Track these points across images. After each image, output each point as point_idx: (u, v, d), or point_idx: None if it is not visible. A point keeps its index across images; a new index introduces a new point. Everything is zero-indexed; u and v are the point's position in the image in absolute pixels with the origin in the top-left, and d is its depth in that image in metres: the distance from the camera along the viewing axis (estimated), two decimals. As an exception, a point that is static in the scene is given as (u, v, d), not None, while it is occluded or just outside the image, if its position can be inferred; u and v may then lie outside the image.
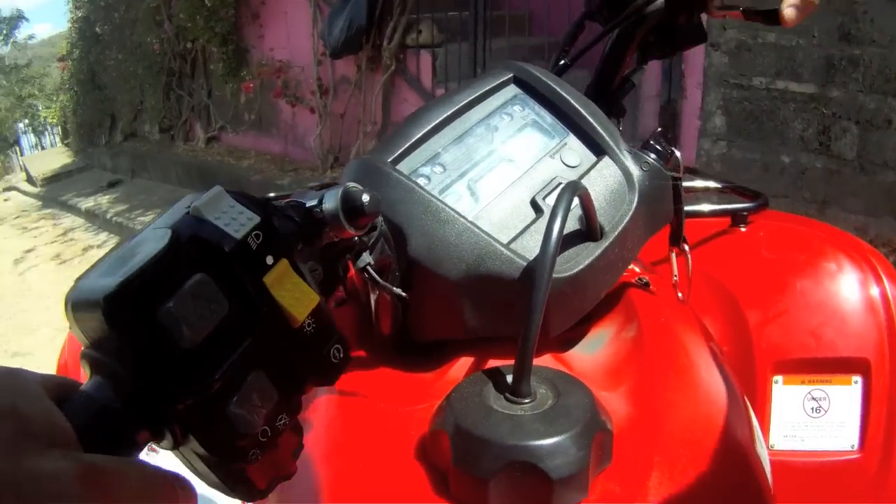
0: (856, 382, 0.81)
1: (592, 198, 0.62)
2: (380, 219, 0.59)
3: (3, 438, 0.32)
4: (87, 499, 0.32)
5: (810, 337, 0.82)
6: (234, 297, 0.38)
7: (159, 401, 0.36)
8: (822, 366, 0.82)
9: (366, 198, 0.48)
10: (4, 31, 20.95)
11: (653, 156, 0.70)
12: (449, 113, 0.70)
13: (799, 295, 0.85)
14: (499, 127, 0.71)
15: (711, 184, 1.09)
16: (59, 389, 0.36)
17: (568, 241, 0.63)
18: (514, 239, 0.62)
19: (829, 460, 0.80)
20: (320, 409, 0.59)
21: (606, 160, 0.69)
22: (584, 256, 0.62)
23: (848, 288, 0.85)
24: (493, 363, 0.61)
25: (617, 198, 0.67)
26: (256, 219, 0.39)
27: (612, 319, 0.69)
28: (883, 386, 0.80)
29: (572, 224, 0.63)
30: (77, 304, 0.36)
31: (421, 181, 0.65)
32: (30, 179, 12.00)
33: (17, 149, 19.09)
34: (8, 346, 4.54)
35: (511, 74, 0.74)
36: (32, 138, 19.46)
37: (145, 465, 0.36)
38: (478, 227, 0.62)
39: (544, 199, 0.65)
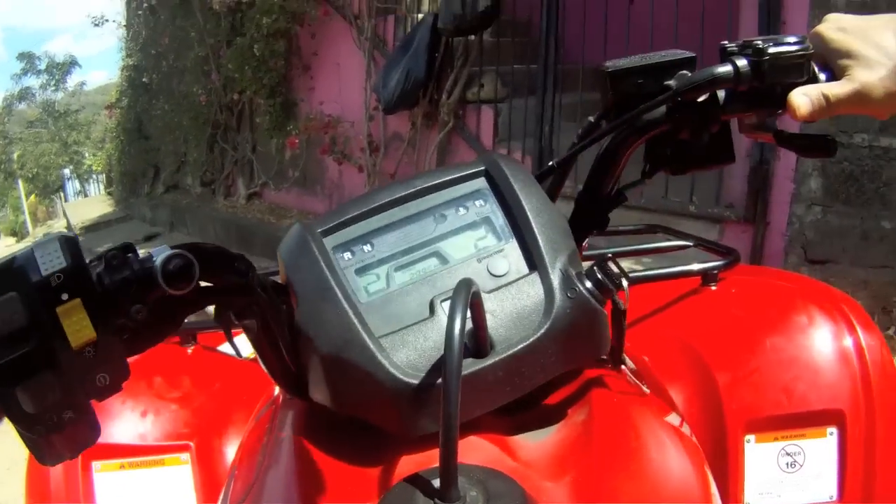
0: (831, 434, 0.81)
1: (501, 312, 0.64)
2: (253, 281, 0.63)
3: None
4: None
5: (782, 393, 0.81)
6: (33, 314, 0.50)
7: None
8: (796, 420, 0.81)
9: (179, 266, 0.55)
10: (57, 77, 21.65)
11: (589, 284, 0.66)
12: (404, 193, 0.72)
13: (769, 351, 0.85)
14: (447, 217, 0.71)
15: (682, 242, 1.15)
16: None
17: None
18: (391, 333, 0.64)
19: None
20: (272, 494, 0.64)
21: (534, 277, 0.67)
22: None
23: (820, 340, 0.85)
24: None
25: (526, 319, 0.64)
26: (63, 264, 0.51)
27: (564, 402, 0.69)
28: (859, 434, 0.80)
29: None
30: None
31: (344, 256, 0.69)
32: (69, 227, 11.99)
33: (62, 195, 19.44)
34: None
35: (483, 167, 0.73)
36: (77, 185, 19.84)
37: None
38: (356, 312, 0.64)
39: (442, 302, 0.65)
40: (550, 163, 0.87)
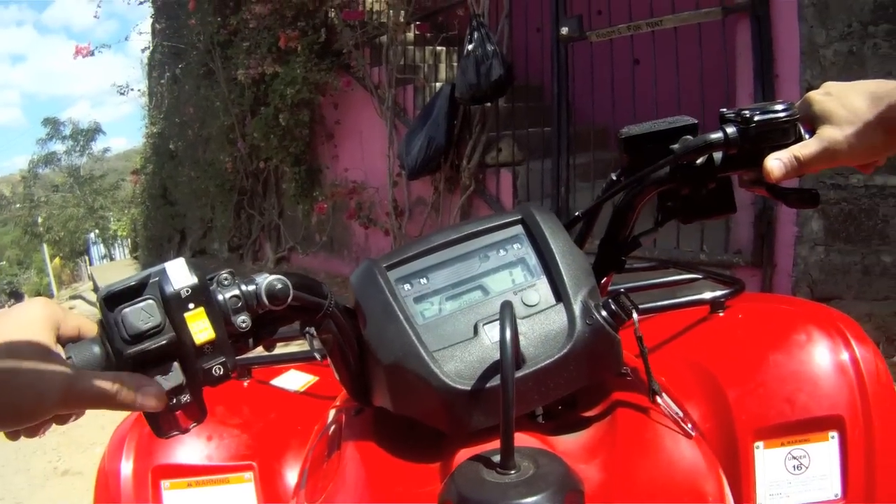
0: (832, 437, 0.88)
1: (531, 335, 0.77)
2: (331, 303, 0.79)
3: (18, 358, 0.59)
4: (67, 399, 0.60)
5: (786, 403, 0.89)
6: (168, 317, 0.64)
7: (115, 359, 0.64)
8: (799, 427, 0.88)
9: (277, 288, 0.71)
10: (81, 143, 21.90)
11: (605, 313, 0.78)
12: (455, 237, 0.86)
13: (773, 367, 0.92)
14: (490, 257, 0.85)
15: (692, 275, 1.29)
16: (75, 331, 0.66)
17: (492, 364, 0.75)
18: (442, 349, 0.77)
19: None
20: (350, 489, 0.75)
21: (560, 307, 0.79)
22: (490, 380, 0.74)
23: (818, 354, 0.92)
24: (486, 448, 0.72)
25: (552, 341, 0.77)
26: (192, 281, 0.65)
27: (594, 406, 0.83)
28: (858, 437, 0.87)
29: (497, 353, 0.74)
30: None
31: (405, 287, 0.83)
32: (96, 289, 12.10)
33: (87, 258, 19.63)
34: (59, 462, 4.38)
35: (520, 216, 0.87)
36: (102, 249, 19.95)
37: (111, 374, 0.63)
38: (415, 332, 0.77)
39: (484, 325, 0.78)
40: (577, 213, 0.98)
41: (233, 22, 6.96)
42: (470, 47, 4.67)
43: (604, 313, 0.78)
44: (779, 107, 0.81)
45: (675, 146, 0.85)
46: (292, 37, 6.15)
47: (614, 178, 0.93)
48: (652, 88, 3.79)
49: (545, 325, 0.78)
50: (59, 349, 0.63)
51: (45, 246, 22.92)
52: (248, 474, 1.01)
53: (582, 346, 0.76)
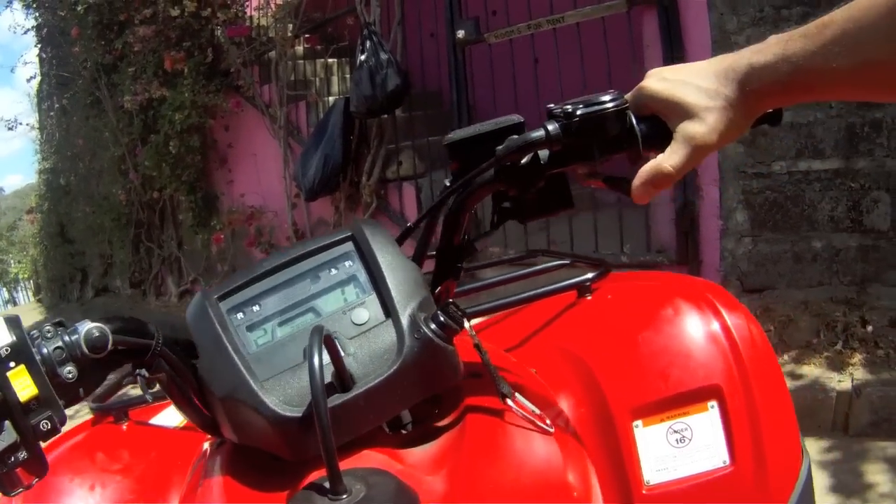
0: (712, 407, 0.88)
1: (360, 354, 0.76)
2: (158, 343, 0.77)
3: None
4: None
5: (660, 379, 0.88)
6: None
7: None
8: (677, 401, 0.88)
9: (95, 336, 0.68)
10: (-31, 188, 21.12)
11: (433, 325, 0.76)
12: (286, 259, 0.85)
13: (643, 344, 0.92)
14: (321, 278, 0.84)
15: (559, 261, 1.26)
16: None
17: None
18: (273, 376, 0.76)
19: (707, 479, 0.86)
20: None
21: (388, 323, 0.78)
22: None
23: (689, 326, 0.92)
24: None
25: (382, 359, 0.76)
26: (10, 339, 0.64)
27: (444, 415, 0.83)
28: (739, 403, 0.87)
29: (328, 374, 0.73)
30: None
31: (238, 316, 0.82)
32: None
33: (-11, 304, 18.86)
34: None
35: (350, 233, 0.86)
36: (5, 293, 19.28)
37: None
38: (244, 362, 0.77)
39: None
40: (409, 224, 0.95)
41: (117, 46, 6.69)
42: (363, 58, 4.50)
43: (432, 325, 0.77)
44: (606, 97, 0.77)
45: (499, 148, 0.82)
46: (178, 58, 5.94)
47: (447, 184, 0.90)
48: (557, 87, 3.62)
49: (375, 343, 0.77)
50: None
51: (-54, 295, 22.02)
52: None
53: (412, 361, 0.75)
